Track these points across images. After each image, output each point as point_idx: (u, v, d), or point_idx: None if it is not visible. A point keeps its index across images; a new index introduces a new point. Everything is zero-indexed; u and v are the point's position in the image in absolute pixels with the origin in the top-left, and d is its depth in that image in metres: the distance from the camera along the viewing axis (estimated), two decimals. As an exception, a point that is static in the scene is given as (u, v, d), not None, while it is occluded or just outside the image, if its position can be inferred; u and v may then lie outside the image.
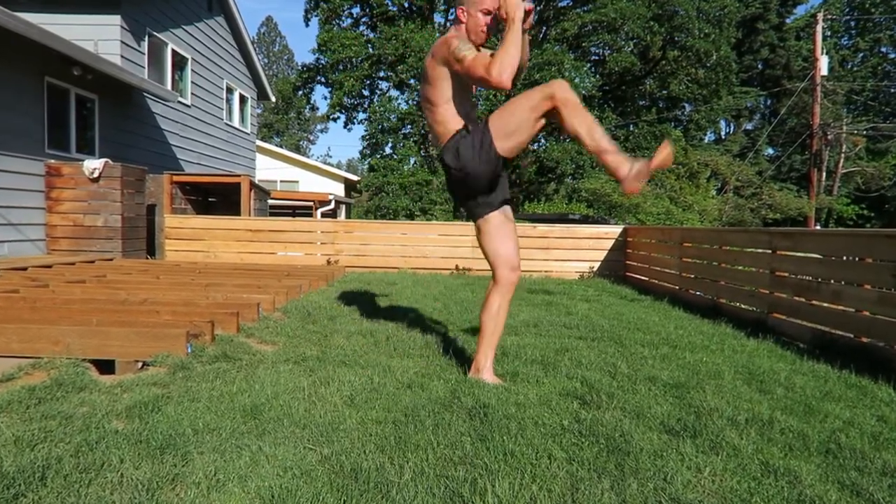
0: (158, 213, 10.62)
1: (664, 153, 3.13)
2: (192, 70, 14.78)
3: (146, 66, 12.40)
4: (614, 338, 4.91)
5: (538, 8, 27.18)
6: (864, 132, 32.21)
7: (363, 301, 6.48)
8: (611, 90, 29.78)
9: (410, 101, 26.95)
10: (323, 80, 28.82)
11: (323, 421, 2.75)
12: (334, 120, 29.57)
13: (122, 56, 11.33)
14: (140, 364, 3.64)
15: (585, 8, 26.15)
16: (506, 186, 3.63)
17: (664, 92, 30.09)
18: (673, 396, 3.29)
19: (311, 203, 21.09)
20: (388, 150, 28.32)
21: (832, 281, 5.10)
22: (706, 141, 41.32)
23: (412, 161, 27.48)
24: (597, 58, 30.10)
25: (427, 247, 10.43)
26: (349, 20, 28.49)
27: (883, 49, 40.99)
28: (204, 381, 3.31)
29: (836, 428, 2.87)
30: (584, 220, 15.47)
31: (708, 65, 27.64)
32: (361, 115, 29.57)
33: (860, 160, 33.98)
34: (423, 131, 27.17)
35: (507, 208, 3.64)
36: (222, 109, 16.88)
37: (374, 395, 3.15)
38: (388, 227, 11.16)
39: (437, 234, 10.62)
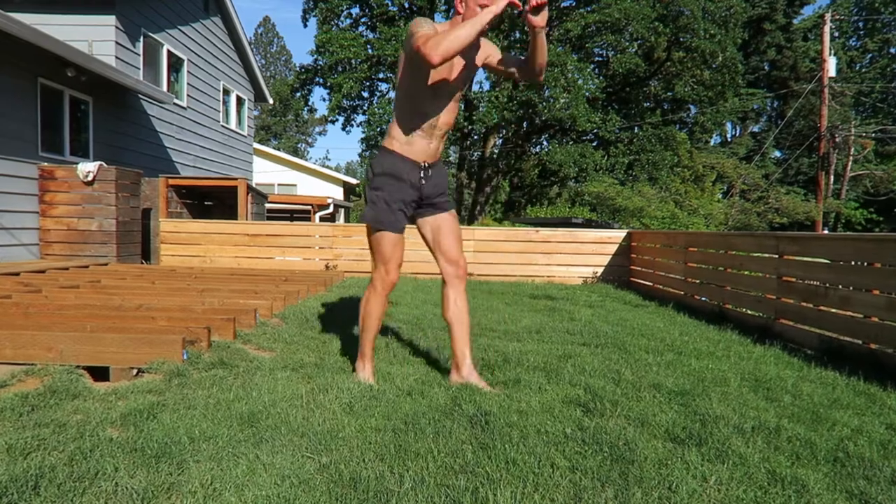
0: (154, 217, 10.62)
1: None
2: (188, 71, 14.81)
3: (141, 67, 12.43)
4: (618, 344, 4.91)
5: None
6: (873, 135, 32.23)
7: (362, 307, 6.48)
8: (615, 92, 29.78)
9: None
10: (321, 81, 28.85)
11: (321, 429, 2.75)
12: (333, 122, 29.60)
13: (116, 57, 11.36)
14: (135, 371, 3.65)
15: (589, 8, 26.17)
16: None
17: (669, 94, 30.08)
18: (678, 404, 3.29)
19: (310, 207, 21.09)
20: (387, 154, 28.30)
21: (840, 286, 5.10)
22: (712, 144, 41.40)
23: (412, 164, 27.47)
24: (601, 59, 30.13)
25: (427, 251, 10.41)
26: (348, 20, 28.53)
27: (892, 50, 41.02)
28: (200, 389, 3.31)
29: (844, 436, 2.87)
30: (588, 224, 15.49)
31: (714, 66, 27.63)
32: (360, 118, 29.61)
33: (869, 163, 34.02)
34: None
35: None
36: (219, 111, 16.91)
37: (374, 403, 3.15)
38: (388, 231, 11.15)
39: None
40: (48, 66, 9.26)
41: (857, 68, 42.19)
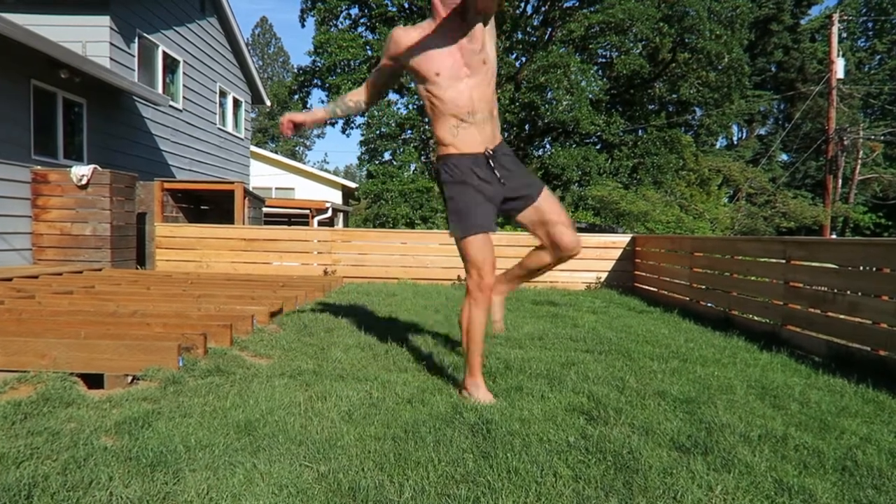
0: (149, 222, 10.63)
1: None
2: (184, 73, 14.84)
3: (136, 68, 12.46)
4: (622, 351, 4.91)
5: (543, 8, 27.32)
6: (882, 137, 32.26)
7: (361, 313, 6.49)
8: (619, 94, 29.84)
9: (410, 106, 27.05)
10: (320, 83, 28.90)
11: (319, 437, 2.75)
12: (331, 125, 29.75)
13: (111, 58, 11.39)
14: (130, 378, 3.65)
15: (592, 8, 26.23)
16: None
17: (674, 96, 30.14)
18: (683, 412, 3.30)
19: (308, 211, 21.09)
20: (387, 157, 28.40)
21: (848, 292, 5.10)
22: (718, 147, 41.43)
23: (412, 168, 27.56)
24: (604, 60, 30.18)
25: (428, 256, 10.44)
26: (347, 21, 28.60)
27: (901, 51, 41.07)
28: (196, 396, 3.32)
29: (852, 445, 2.88)
30: (591, 228, 15.53)
31: (719, 67, 27.69)
32: (360, 120, 29.66)
33: (878, 166, 34.07)
34: (423, 136, 27.22)
35: None
36: (215, 114, 16.94)
37: (373, 411, 3.15)
38: (388, 235, 11.17)
39: (439, 244, 10.61)
40: (41, 67, 9.28)
41: (866, 70, 42.26)
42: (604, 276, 10.36)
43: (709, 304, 7.41)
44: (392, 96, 29.22)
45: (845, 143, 28.84)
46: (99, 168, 9.20)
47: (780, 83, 42.95)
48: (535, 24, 28.82)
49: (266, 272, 10.13)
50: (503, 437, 2.79)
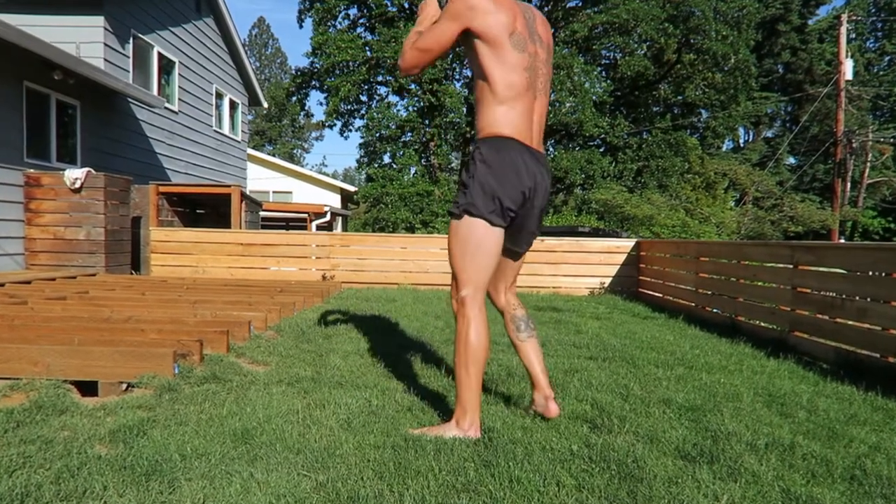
0: (144, 226, 10.65)
1: None
2: (180, 74, 14.87)
3: (131, 69, 12.48)
4: (626, 358, 4.92)
5: (546, 8, 27.35)
6: (892, 140, 32.26)
7: (361, 319, 6.50)
8: (623, 96, 29.88)
9: (410, 108, 27.08)
10: (318, 84, 28.96)
11: (318, 446, 2.76)
12: (330, 127, 29.85)
13: (105, 59, 11.41)
14: (124, 385, 3.66)
15: (596, 9, 26.27)
16: None
17: (679, 97, 30.19)
18: (688, 420, 3.30)
19: (306, 215, 21.11)
20: (386, 159, 28.44)
21: (857, 297, 5.11)
22: (724, 149, 41.44)
23: (412, 171, 27.57)
24: (608, 61, 30.24)
25: (428, 261, 10.44)
26: (346, 21, 28.66)
27: (911, 52, 41.11)
28: (192, 404, 3.32)
29: (861, 453, 2.88)
30: (595, 233, 15.51)
31: (726, 69, 27.74)
32: (359, 122, 29.85)
33: (887, 170, 34.06)
34: (423, 139, 27.26)
35: None
36: (211, 116, 16.96)
37: (373, 419, 3.15)
38: (387, 240, 11.18)
39: (439, 248, 10.61)
40: (34, 68, 9.30)
41: (875, 71, 42.28)
42: (608, 281, 10.37)
43: (715, 310, 7.41)
44: (392, 98, 29.31)
45: (854, 145, 28.83)
46: (93, 171, 9.22)
47: (787, 85, 42.99)
48: (537, 24, 28.79)
49: (263, 277, 10.14)
50: (505, 446, 2.79)
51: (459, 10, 2.92)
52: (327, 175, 38.88)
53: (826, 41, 40.75)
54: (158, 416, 3.10)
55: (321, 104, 53.33)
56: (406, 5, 27.26)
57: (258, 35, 66.98)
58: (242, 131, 19.72)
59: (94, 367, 3.64)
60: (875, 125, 34.88)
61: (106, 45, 11.49)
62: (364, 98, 29.18)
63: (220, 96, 17.73)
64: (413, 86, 26.09)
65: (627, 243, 10.60)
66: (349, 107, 29.10)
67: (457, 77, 28.20)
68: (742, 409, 3.53)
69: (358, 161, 30.92)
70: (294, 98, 31.02)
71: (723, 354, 5.20)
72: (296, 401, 3.43)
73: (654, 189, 26.50)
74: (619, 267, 10.39)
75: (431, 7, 3.22)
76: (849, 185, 31.21)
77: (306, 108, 31.65)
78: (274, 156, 40.27)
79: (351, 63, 26.31)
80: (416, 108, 27.14)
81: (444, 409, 3.34)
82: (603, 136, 27.18)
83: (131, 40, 12.50)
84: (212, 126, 16.98)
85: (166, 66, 14.33)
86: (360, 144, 28.88)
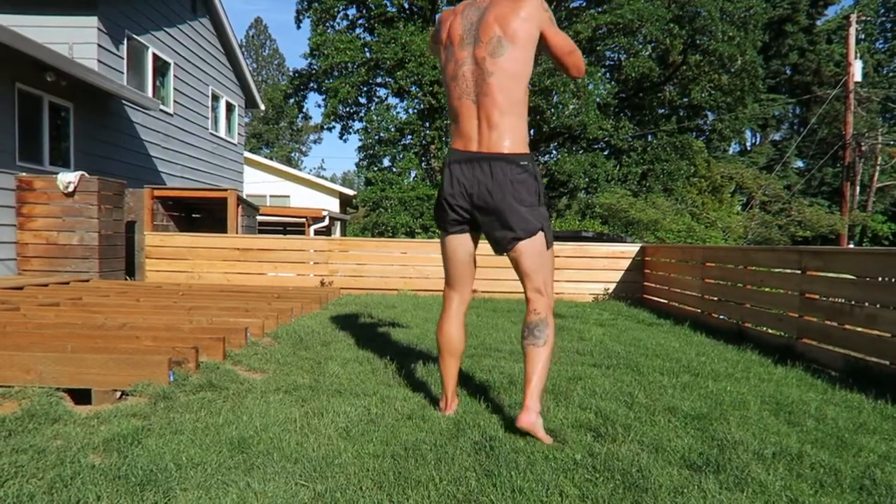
0: (138, 231, 10.66)
1: None
2: (175, 76, 14.90)
3: (125, 71, 12.51)
4: (631, 365, 4.92)
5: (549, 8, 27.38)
6: (902, 143, 32.27)
7: (360, 325, 6.50)
8: (627, 98, 29.92)
9: (410, 110, 27.11)
10: (316, 86, 29.03)
11: (316, 455, 2.76)
12: (328, 130, 29.77)
13: (99, 60, 11.43)
14: (118, 393, 3.66)
15: (600, 9, 26.32)
16: None
17: (685, 100, 30.21)
18: (694, 428, 3.30)
19: (304, 219, 21.15)
20: (386, 163, 28.44)
21: (867, 304, 5.11)
22: (730, 152, 41.47)
23: (413, 174, 27.59)
24: (612, 63, 30.28)
25: (429, 267, 10.44)
26: (344, 22, 28.73)
27: (921, 53, 41.16)
28: (187, 412, 3.33)
29: (870, 463, 2.88)
30: (599, 237, 15.51)
31: (732, 70, 27.76)
32: (358, 125, 29.74)
33: (897, 173, 34.02)
34: (423, 142, 27.26)
35: None
36: (207, 118, 16.99)
37: (372, 427, 3.16)
38: (387, 245, 11.18)
39: (440, 253, 10.59)
40: (26, 70, 9.32)
41: (885, 72, 42.30)
42: (612, 287, 10.37)
43: (721, 317, 7.41)
44: (392, 100, 29.35)
45: (863, 148, 28.87)
46: (86, 175, 9.23)
47: (795, 86, 43.02)
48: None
49: (260, 283, 10.14)
50: (507, 455, 2.79)
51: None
52: (326, 179, 38.95)
53: (835, 42, 40.78)
54: (153, 425, 3.10)
55: (319, 106, 53.45)
56: (406, 5, 27.32)
57: (255, 36, 67.09)
58: (239, 134, 19.75)
59: (88, 375, 3.64)
60: (885, 128, 34.94)
61: (100, 45, 11.51)
62: (363, 100, 29.26)
63: (216, 98, 17.76)
64: (413, 87, 26.11)
65: (632, 248, 10.60)
66: (348, 109, 29.17)
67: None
68: (749, 418, 3.53)
69: (357, 164, 30.96)
70: (292, 100, 31.09)
71: (729, 362, 5.20)
72: (293, 409, 3.44)
73: (659, 193, 26.51)
74: (623, 272, 10.39)
75: None
76: (858, 189, 31.23)
77: (304, 110, 31.69)
78: (271, 159, 40.27)
79: (350, 64, 26.36)
80: (416, 111, 27.16)
81: (445, 416, 3.34)
82: (607, 138, 27.20)
83: (125, 41, 12.53)
84: (208, 129, 17.01)
85: (161, 68, 14.36)
86: (359, 147, 28.91)
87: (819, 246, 21.41)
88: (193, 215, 13.20)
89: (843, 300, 5.38)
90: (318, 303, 8.01)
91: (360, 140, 28.60)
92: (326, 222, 21.53)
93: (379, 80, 28.11)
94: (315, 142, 72.96)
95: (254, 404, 3.50)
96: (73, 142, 10.90)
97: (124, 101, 12.31)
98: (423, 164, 27.80)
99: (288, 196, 29.44)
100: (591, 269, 10.44)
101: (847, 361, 5.07)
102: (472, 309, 8.26)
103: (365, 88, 28.40)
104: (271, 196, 28.73)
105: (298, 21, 29.14)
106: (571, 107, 25.26)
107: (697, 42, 27.26)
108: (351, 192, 31.96)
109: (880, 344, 4.84)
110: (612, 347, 5.69)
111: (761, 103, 34.66)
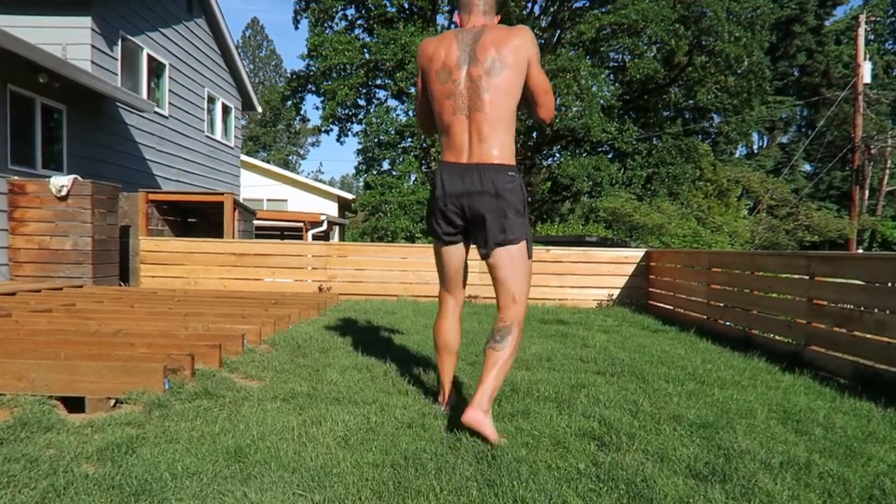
0: (133, 235, 10.66)
1: None
2: (170, 77, 14.92)
3: (119, 72, 12.53)
4: (636, 372, 4.92)
5: (552, 9, 27.46)
6: (912, 146, 32.28)
7: (359, 332, 6.50)
8: (632, 99, 29.92)
9: (410, 112, 27.11)
10: (314, 88, 29.01)
11: (314, 464, 2.76)
12: (327, 132, 29.75)
13: (92, 62, 11.45)
14: (112, 401, 3.66)
15: (604, 9, 26.31)
16: None
17: (690, 101, 30.23)
18: (700, 437, 3.30)
19: (301, 224, 21.17)
20: (385, 166, 28.43)
21: (876, 310, 5.10)
22: (737, 156, 41.49)
23: (412, 178, 27.58)
24: (616, 64, 30.30)
25: (429, 272, 10.42)
26: (343, 22, 28.72)
27: (931, 54, 41.17)
28: (183, 421, 3.33)
29: (880, 472, 2.88)
30: (603, 242, 15.54)
31: (739, 71, 27.76)
32: (356, 127, 29.74)
33: (907, 176, 34.01)
34: (423, 145, 27.28)
35: None
36: (203, 121, 17.01)
37: (371, 436, 3.16)
38: (386, 250, 11.18)
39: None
40: (18, 71, 9.34)
41: (895, 74, 42.33)
42: (616, 292, 10.36)
43: (728, 323, 7.41)
44: (391, 102, 29.36)
45: (872, 151, 28.89)
46: (80, 178, 9.24)
47: (803, 88, 43.07)
48: (542, 25, 28.96)
49: (257, 289, 10.14)
50: (509, 464, 2.80)
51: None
52: (324, 182, 38.98)
53: (843, 43, 40.83)
54: (148, 434, 3.10)
55: (317, 108, 53.37)
56: (406, 6, 27.35)
57: (252, 36, 67.20)
58: (235, 137, 19.78)
59: (81, 383, 3.64)
60: (894, 130, 34.91)
61: (93, 46, 11.53)
62: (362, 102, 29.25)
63: (212, 100, 17.78)
64: (413, 89, 26.11)
65: (637, 253, 10.60)
66: (346, 111, 29.16)
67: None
68: (756, 426, 3.53)
69: (356, 168, 30.95)
70: (289, 102, 31.06)
71: (736, 369, 5.20)
72: (291, 417, 3.44)
73: (664, 197, 26.51)
74: (627, 278, 10.40)
75: None
76: (867, 192, 31.25)
77: (302, 112, 31.71)
78: (268, 162, 40.36)
79: (348, 66, 26.36)
80: (415, 113, 27.13)
81: (445, 424, 3.34)
82: (611, 141, 27.19)
83: (120, 42, 12.55)
84: (203, 131, 17.03)
85: (156, 69, 14.38)
86: (357, 150, 28.90)
87: (827, 251, 21.40)
88: (189, 220, 13.21)
89: (852, 306, 5.38)
90: (316, 309, 8.02)
91: (359, 143, 28.60)
92: (325, 227, 21.56)
93: (378, 81, 28.13)
94: (313, 145, 73.04)
95: (250, 412, 3.51)
96: (66, 144, 10.91)
97: (118, 103, 12.33)
98: (423, 167, 27.80)
99: (285, 200, 29.46)
100: (595, 275, 10.45)
101: (856, 369, 5.07)
102: (473, 315, 8.28)
103: (364, 90, 28.40)
104: (268, 200, 28.75)
105: (296, 21, 29.17)
106: (575, 109, 25.24)
107: (703, 43, 27.26)
108: (350, 196, 31.99)
109: (890, 351, 4.83)
110: (617, 354, 5.69)
111: (768, 105, 34.71)
